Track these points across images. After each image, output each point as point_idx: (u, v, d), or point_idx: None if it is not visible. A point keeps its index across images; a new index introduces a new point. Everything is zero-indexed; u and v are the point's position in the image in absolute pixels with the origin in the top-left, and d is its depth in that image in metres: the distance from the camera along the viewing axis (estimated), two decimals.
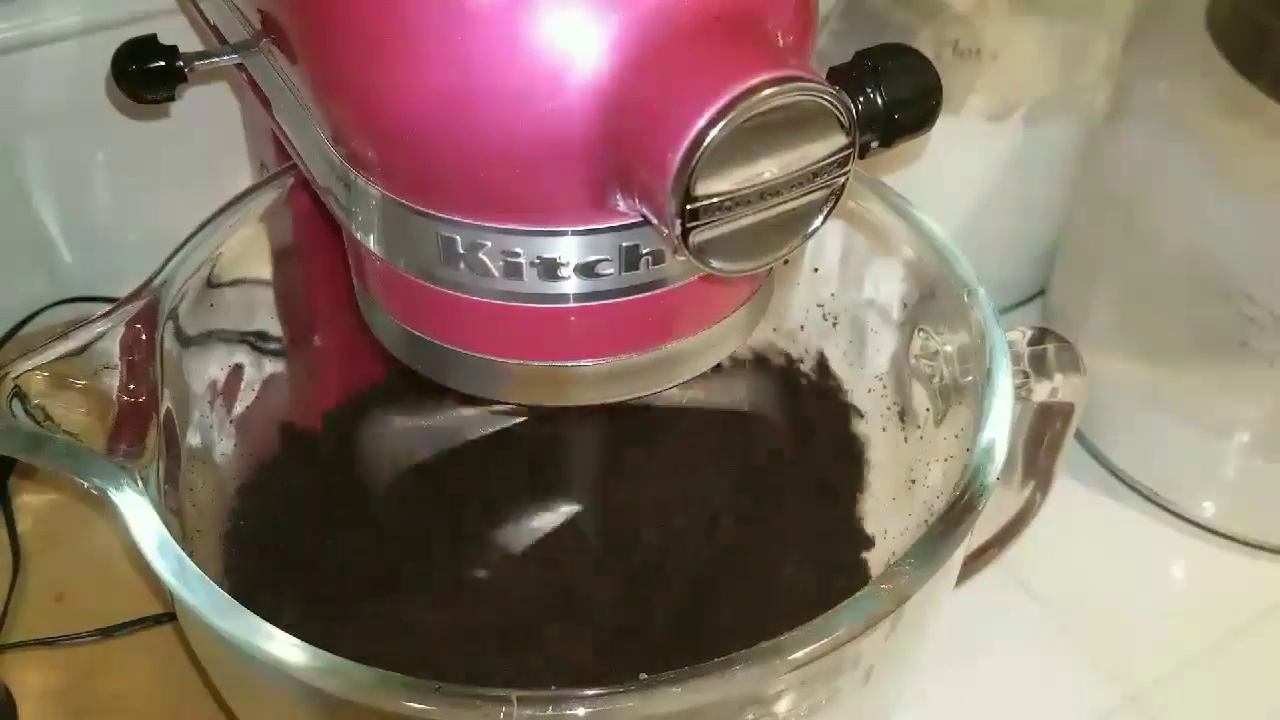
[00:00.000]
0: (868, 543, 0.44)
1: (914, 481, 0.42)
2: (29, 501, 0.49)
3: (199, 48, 0.39)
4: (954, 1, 0.49)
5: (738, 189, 0.25)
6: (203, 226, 0.40)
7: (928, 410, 0.42)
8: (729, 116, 0.23)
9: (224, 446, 0.42)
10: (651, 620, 0.42)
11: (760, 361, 0.48)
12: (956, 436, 0.39)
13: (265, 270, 0.43)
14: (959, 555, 0.34)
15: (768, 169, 0.25)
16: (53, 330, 0.47)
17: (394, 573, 0.43)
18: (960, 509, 0.33)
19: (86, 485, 0.33)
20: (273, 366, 0.44)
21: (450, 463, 0.47)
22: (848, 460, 0.46)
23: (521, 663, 0.40)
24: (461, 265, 0.28)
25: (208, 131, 0.54)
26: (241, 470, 0.43)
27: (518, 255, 0.28)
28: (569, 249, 0.27)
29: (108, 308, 0.36)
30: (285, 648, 0.29)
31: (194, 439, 0.39)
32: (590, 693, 0.28)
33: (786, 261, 0.29)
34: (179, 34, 0.44)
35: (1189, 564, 0.51)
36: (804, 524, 0.44)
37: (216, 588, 0.31)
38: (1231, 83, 0.43)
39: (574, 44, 0.25)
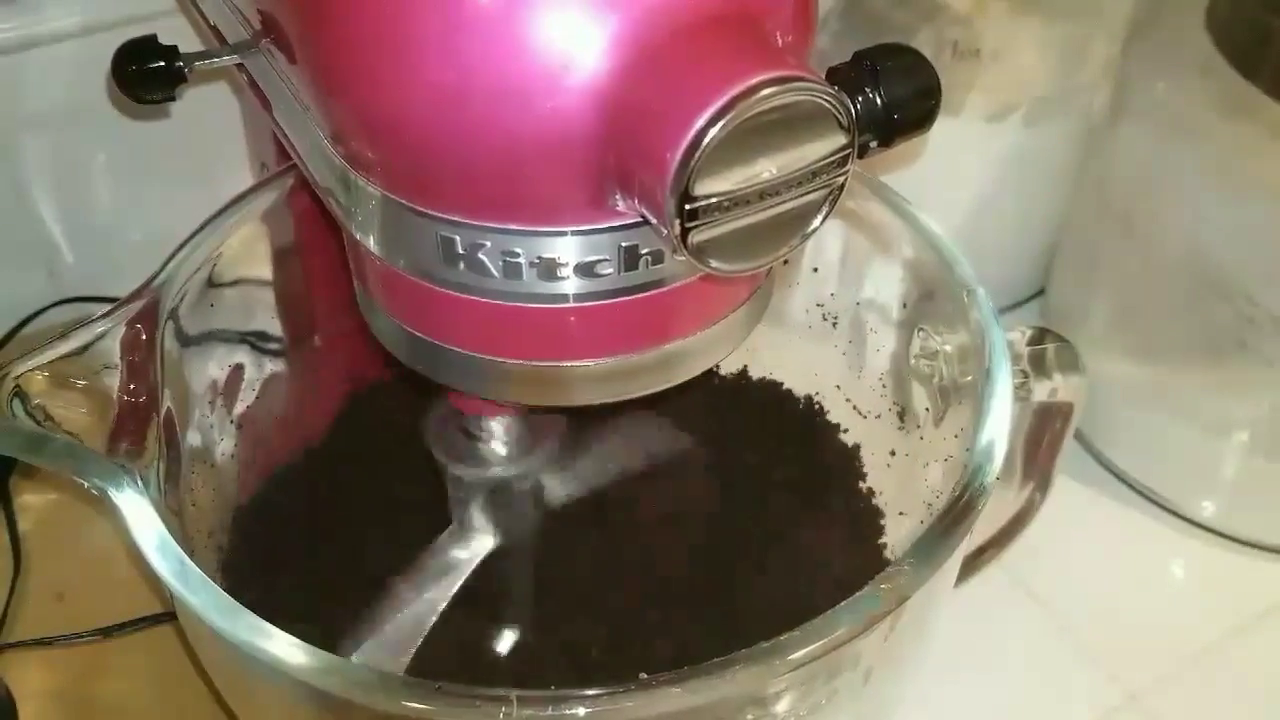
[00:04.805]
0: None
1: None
2: (29, 501, 0.49)
3: (199, 48, 0.39)
4: (954, 1, 0.49)
5: (737, 189, 0.25)
6: (203, 226, 0.40)
7: (927, 410, 0.42)
8: (728, 116, 0.23)
9: (224, 446, 0.42)
10: (657, 623, 0.42)
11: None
12: (956, 436, 0.39)
13: (265, 270, 0.43)
14: (958, 555, 0.34)
15: (767, 169, 0.25)
16: (53, 330, 0.47)
17: (395, 573, 0.43)
18: (960, 509, 0.33)
19: (87, 485, 0.33)
20: (273, 366, 0.44)
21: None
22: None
23: (523, 663, 0.40)
24: (461, 265, 0.28)
25: (208, 131, 0.54)
26: (241, 470, 0.43)
27: (517, 255, 0.28)
28: (568, 249, 0.27)
29: (108, 308, 0.36)
30: (285, 648, 0.29)
31: (194, 439, 0.39)
32: (590, 693, 0.28)
33: (786, 261, 0.29)
34: (179, 34, 0.44)
35: (1189, 564, 0.51)
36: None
37: (217, 588, 0.31)
38: (1231, 83, 0.43)
39: (573, 44, 0.25)
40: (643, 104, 0.25)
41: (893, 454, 0.45)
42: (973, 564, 0.44)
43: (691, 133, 0.23)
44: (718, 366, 0.33)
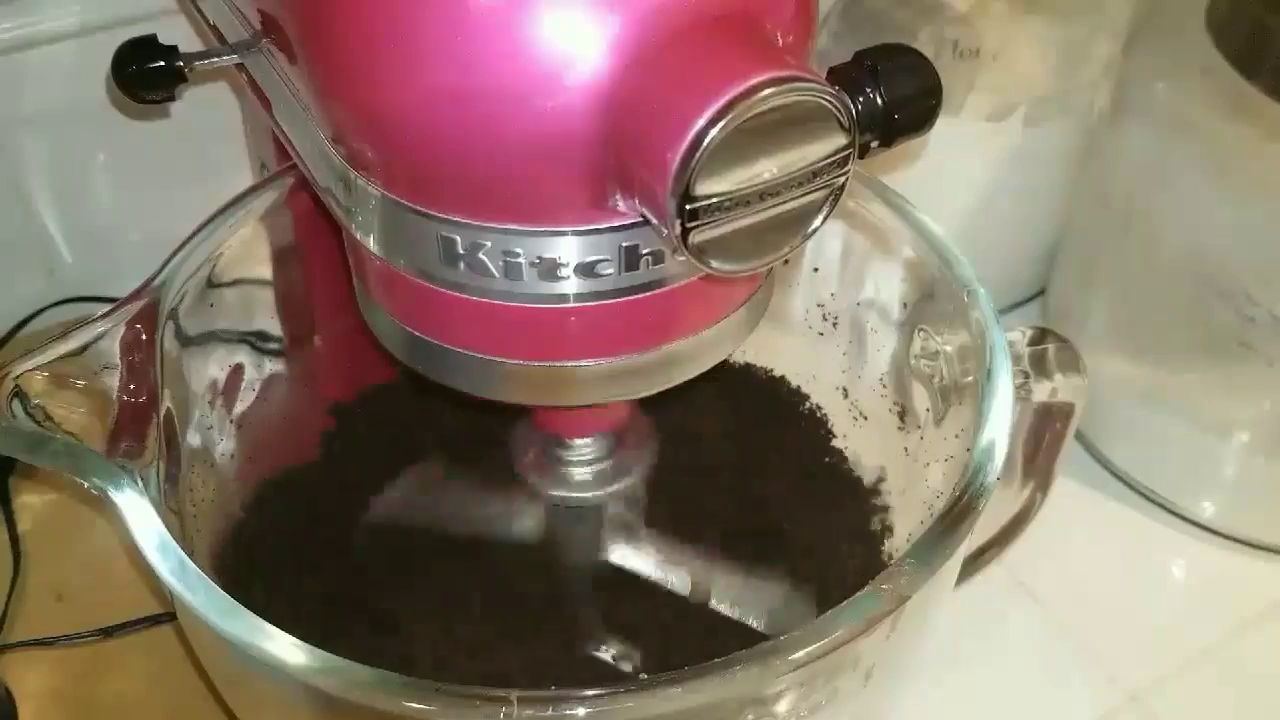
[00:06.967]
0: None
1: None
2: (29, 501, 0.49)
3: (199, 48, 0.39)
4: (954, 1, 0.49)
5: (737, 189, 0.25)
6: (203, 226, 0.40)
7: (928, 410, 0.42)
8: (729, 116, 0.23)
9: (224, 447, 0.42)
10: (657, 629, 0.42)
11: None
12: (956, 436, 0.39)
13: (265, 270, 0.43)
14: (959, 555, 0.34)
15: (767, 169, 0.25)
16: (53, 330, 0.47)
17: (394, 574, 0.43)
18: (960, 509, 0.33)
19: (87, 485, 0.33)
20: (273, 366, 0.44)
21: (453, 465, 0.47)
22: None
23: (521, 666, 0.40)
24: (461, 265, 0.28)
25: (208, 131, 0.54)
26: (241, 470, 0.43)
27: (518, 255, 0.28)
28: (569, 249, 0.27)
29: (108, 308, 0.36)
30: (285, 648, 0.29)
31: (194, 439, 0.39)
32: (590, 693, 0.28)
33: (786, 261, 0.29)
34: (179, 34, 0.44)
35: (1189, 564, 0.51)
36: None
37: (216, 588, 0.31)
38: (1231, 83, 0.43)
39: (574, 44, 0.25)
40: (643, 104, 0.25)
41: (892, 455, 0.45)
42: (973, 564, 0.44)
43: (692, 133, 0.23)
44: (717, 366, 0.33)
